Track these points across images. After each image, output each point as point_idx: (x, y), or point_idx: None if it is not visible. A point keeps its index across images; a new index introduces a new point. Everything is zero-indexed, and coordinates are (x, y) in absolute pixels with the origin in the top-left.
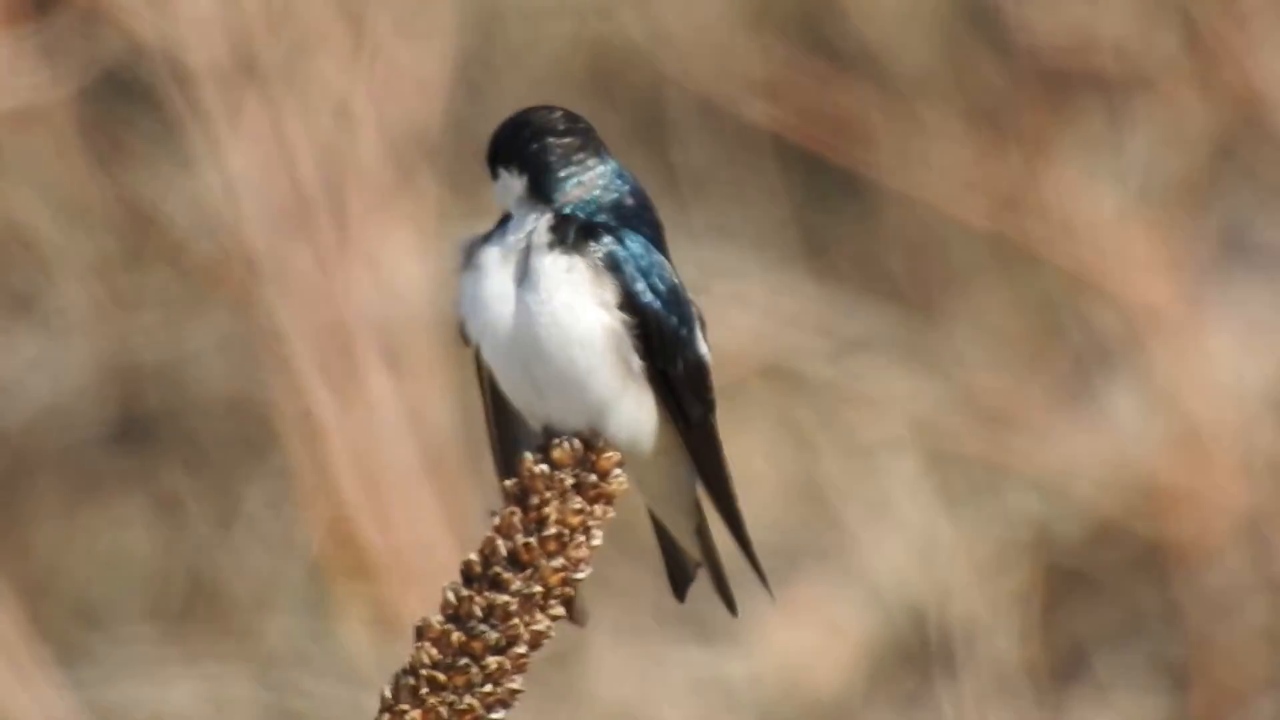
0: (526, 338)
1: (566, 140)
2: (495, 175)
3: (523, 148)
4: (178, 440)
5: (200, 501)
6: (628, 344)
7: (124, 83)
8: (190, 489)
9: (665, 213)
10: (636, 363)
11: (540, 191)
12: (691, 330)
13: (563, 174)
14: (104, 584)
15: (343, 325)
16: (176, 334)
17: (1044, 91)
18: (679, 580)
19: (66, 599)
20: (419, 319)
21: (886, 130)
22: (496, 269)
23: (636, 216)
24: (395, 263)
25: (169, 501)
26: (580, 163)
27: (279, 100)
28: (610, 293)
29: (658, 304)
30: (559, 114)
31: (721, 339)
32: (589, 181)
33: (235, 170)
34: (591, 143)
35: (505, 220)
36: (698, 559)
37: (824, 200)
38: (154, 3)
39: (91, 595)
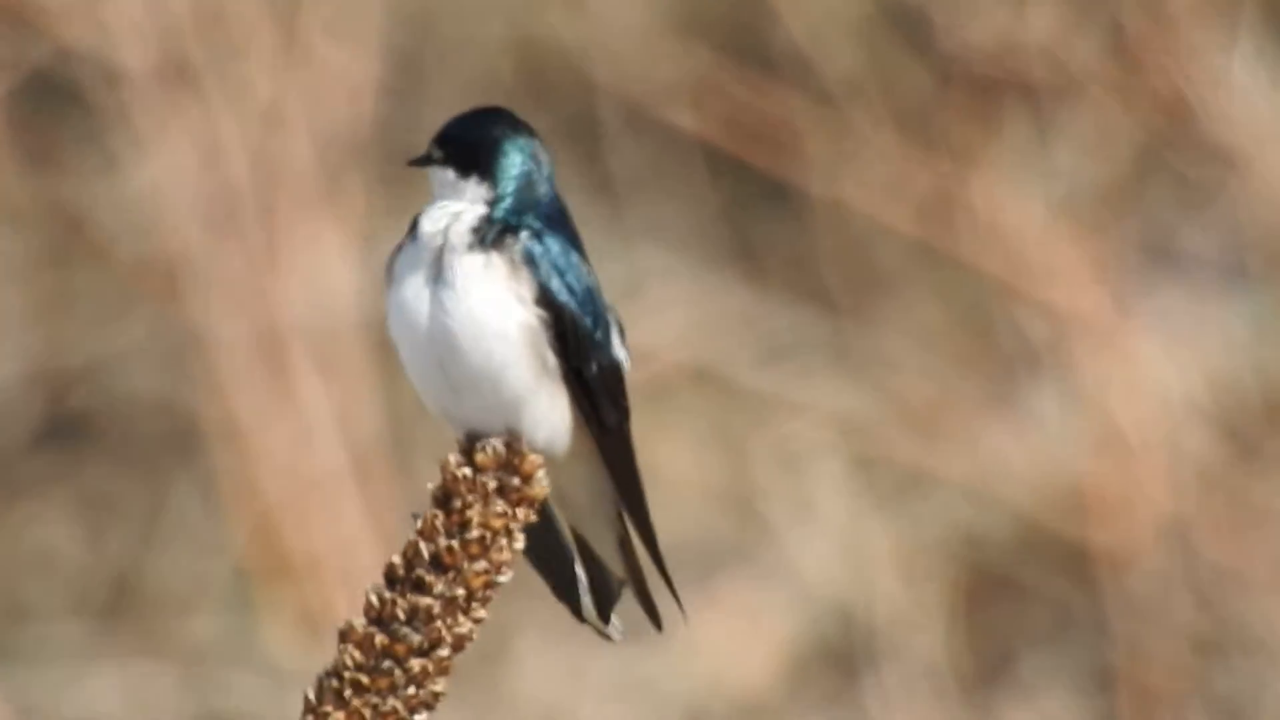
0: (442, 335)
1: (520, 142)
2: (444, 167)
3: (479, 146)
4: (105, 441)
5: (126, 502)
6: (543, 340)
7: (53, 85)
8: (117, 489)
9: (595, 216)
10: (552, 360)
11: (483, 192)
12: (607, 334)
13: (510, 178)
14: (30, 583)
15: (271, 327)
16: (104, 335)
17: (971, 98)
18: (604, 602)
19: None
20: (347, 322)
21: (815, 136)
22: (412, 273)
23: (560, 222)
24: (324, 265)
25: (95, 501)
26: (525, 172)
27: (208, 103)
28: (527, 288)
29: (573, 302)
30: (510, 116)
31: (650, 343)
32: (528, 188)
33: (164, 172)
34: (541, 151)
35: (421, 219)
36: (621, 575)
37: (753, 205)
38: (83, 5)
39: (17, 594)
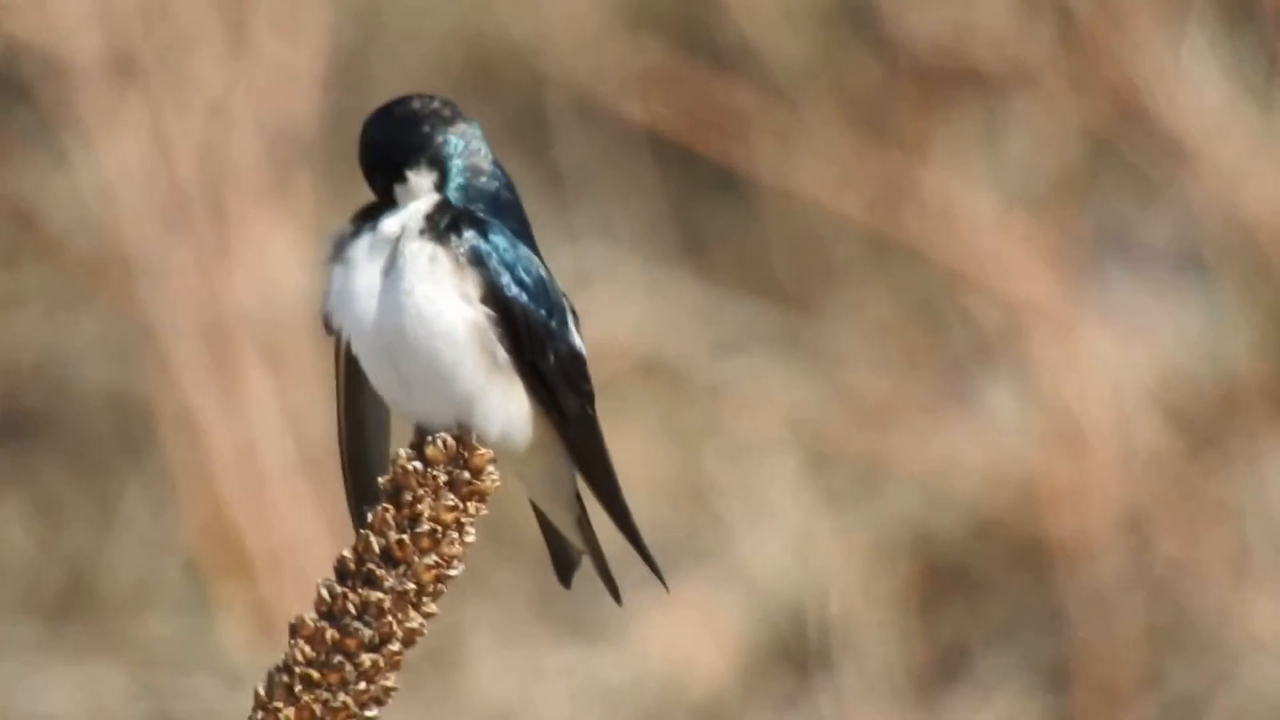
0: (391, 330)
1: (460, 128)
2: (398, 178)
3: (426, 142)
4: (55, 438)
5: (78, 499)
6: (492, 337)
7: (1, 80)
8: (68, 487)
9: (544, 210)
10: (502, 356)
11: (442, 183)
12: (563, 322)
13: (459, 164)
14: None
15: (221, 323)
16: (54, 331)
17: (922, 89)
18: (563, 567)
19: None
20: (297, 316)
21: (765, 128)
22: (366, 260)
23: (509, 210)
24: (274, 260)
25: (46, 499)
26: (472, 152)
27: (156, 98)
28: (472, 286)
29: (524, 297)
30: (440, 101)
31: (600, 336)
32: (475, 169)
33: (113, 168)
34: (476, 131)
35: (376, 207)
36: (580, 548)
37: (703, 198)
38: (30, 0)
39: None
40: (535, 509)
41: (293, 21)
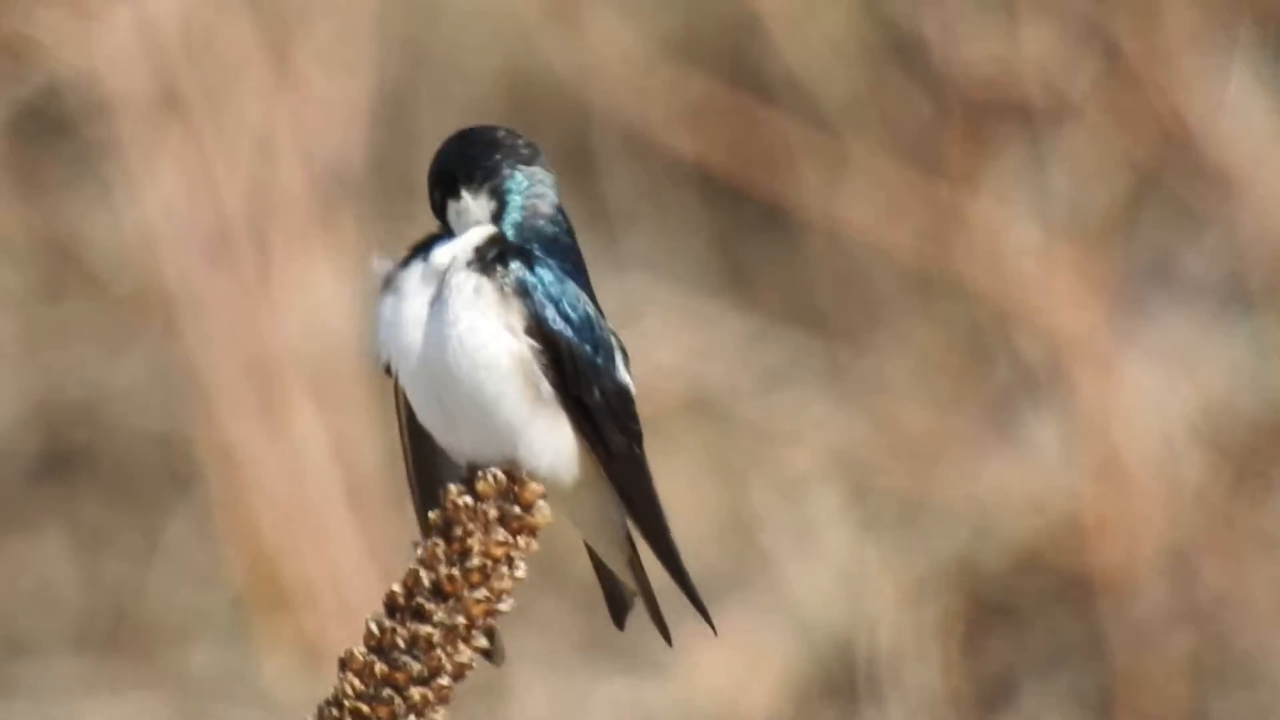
0: (436, 362)
1: (532, 170)
2: (454, 194)
3: (492, 170)
4: (100, 472)
5: (123, 534)
6: (535, 369)
7: (46, 116)
8: (112, 521)
9: (590, 244)
10: (546, 389)
11: (499, 216)
12: (610, 359)
13: (519, 200)
14: (27, 616)
15: (266, 358)
16: (99, 367)
17: (968, 123)
18: (617, 608)
19: None
20: (342, 351)
21: (811, 162)
22: (415, 292)
23: (564, 254)
24: (318, 295)
25: (92, 534)
26: (537, 195)
27: (201, 132)
28: (517, 317)
29: (569, 331)
30: (525, 141)
31: (646, 372)
32: (535, 210)
33: (157, 203)
34: (550, 179)
35: (429, 240)
36: (633, 589)
37: (749, 232)
38: (75, 36)
39: (15, 628)
40: (589, 550)
41: (337, 56)
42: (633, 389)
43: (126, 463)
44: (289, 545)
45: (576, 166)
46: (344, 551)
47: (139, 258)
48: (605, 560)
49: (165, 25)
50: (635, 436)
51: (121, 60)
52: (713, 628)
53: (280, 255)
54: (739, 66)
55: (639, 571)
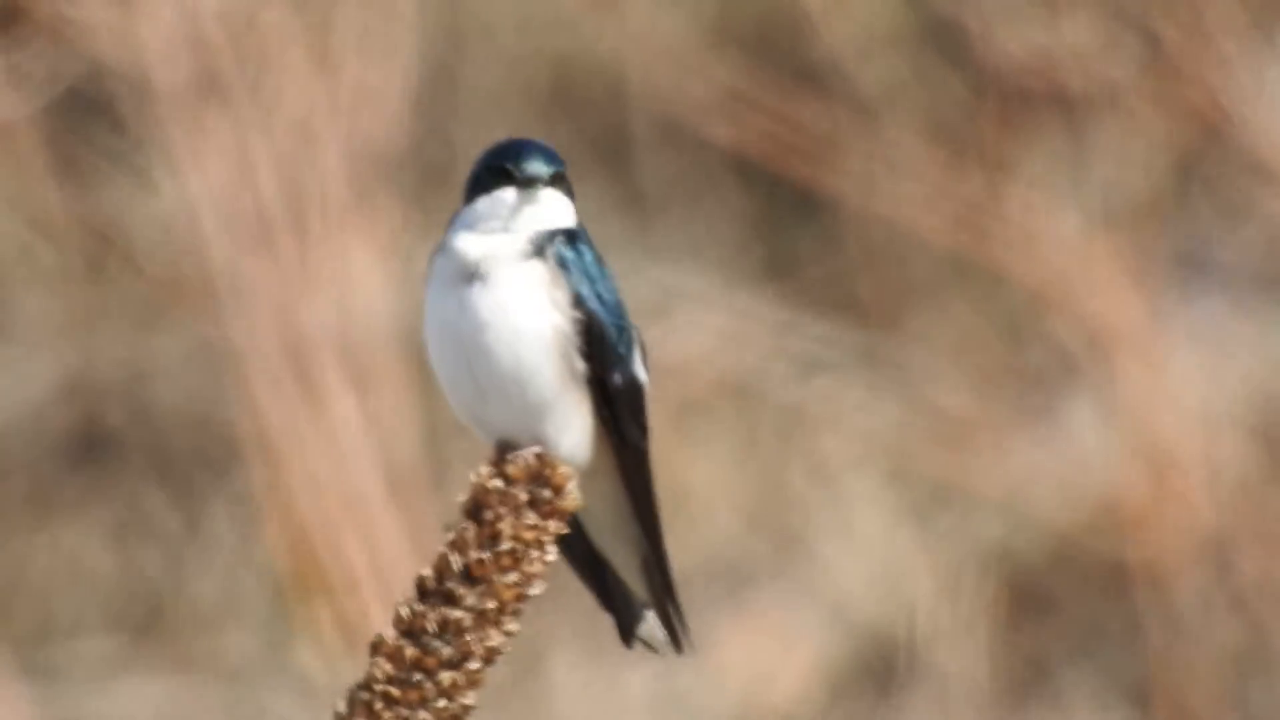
0: (472, 334)
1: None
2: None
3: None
4: (140, 456)
5: (161, 518)
6: (573, 346)
7: (87, 100)
8: (151, 505)
9: (626, 229)
10: (580, 365)
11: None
12: (630, 350)
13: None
14: (66, 598)
15: (305, 342)
16: (139, 350)
17: (1007, 109)
18: (625, 625)
19: (29, 613)
20: (381, 336)
21: (849, 148)
22: (452, 274)
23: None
24: (357, 279)
25: (130, 518)
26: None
27: (241, 118)
28: (563, 293)
29: (602, 310)
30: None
31: (683, 358)
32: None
33: (197, 187)
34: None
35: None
36: (644, 597)
37: (786, 218)
38: (117, 21)
39: (54, 609)
40: (601, 556)
41: (377, 43)
42: (646, 384)
43: (165, 445)
44: (327, 528)
45: (614, 152)
46: (382, 535)
47: (179, 241)
48: (616, 564)
49: (206, 9)
50: (644, 432)
51: (163, 44)
52: (679, 648)
53: (319, 238)
54: (777, 52)
55: (652, 574)
